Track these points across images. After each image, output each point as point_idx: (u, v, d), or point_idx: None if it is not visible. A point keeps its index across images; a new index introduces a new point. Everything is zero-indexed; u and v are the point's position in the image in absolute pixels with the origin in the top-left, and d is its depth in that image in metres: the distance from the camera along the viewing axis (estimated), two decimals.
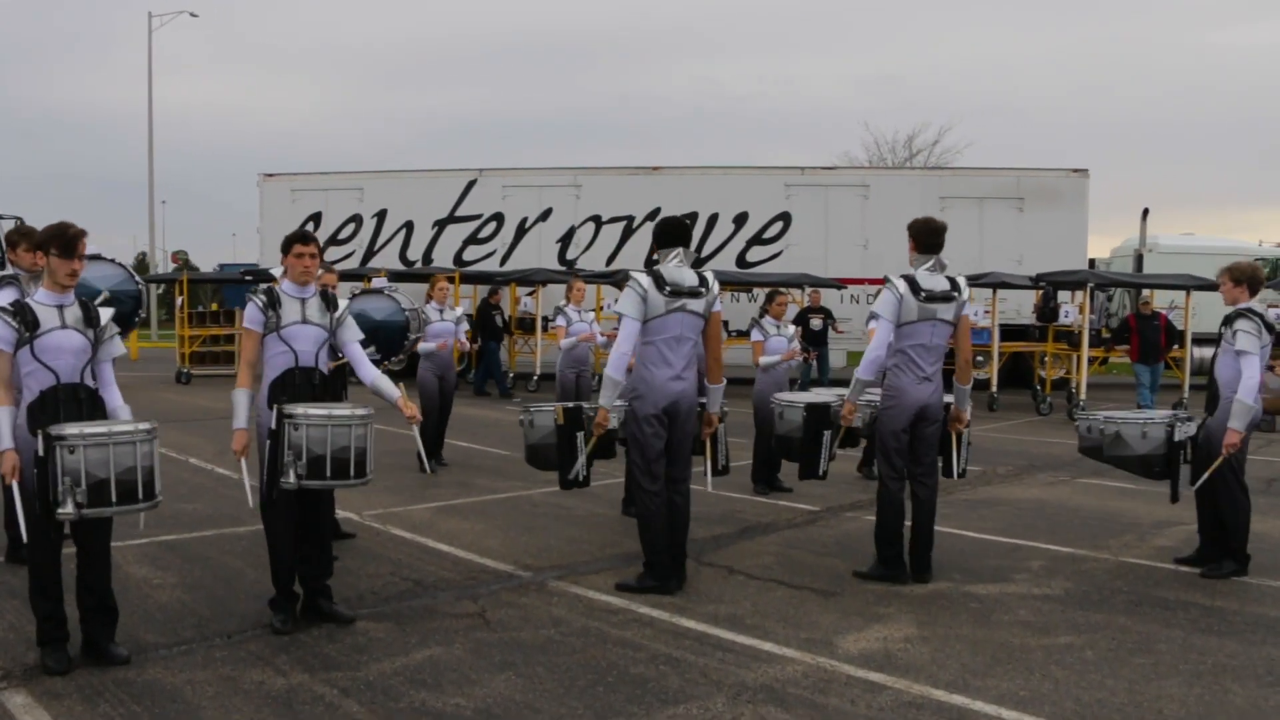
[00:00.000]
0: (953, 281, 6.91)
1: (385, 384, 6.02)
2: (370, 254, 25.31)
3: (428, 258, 25.00)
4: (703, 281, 6.67)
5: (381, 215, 25.32)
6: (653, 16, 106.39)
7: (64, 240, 5.05)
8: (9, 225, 18.41)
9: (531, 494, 9.96)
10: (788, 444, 8.15)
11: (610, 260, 24.03)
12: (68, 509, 4.69)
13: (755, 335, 10.32)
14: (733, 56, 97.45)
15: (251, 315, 5.73)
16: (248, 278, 25.16)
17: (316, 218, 25.64)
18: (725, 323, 15.67)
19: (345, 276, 23.72)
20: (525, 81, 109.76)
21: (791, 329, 10.58)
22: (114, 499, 4.74)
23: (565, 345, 11.30)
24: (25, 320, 4.99)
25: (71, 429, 4.72)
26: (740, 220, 24.07)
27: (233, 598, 6.36)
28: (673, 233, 6.79)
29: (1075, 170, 23.72)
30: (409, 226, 25.18)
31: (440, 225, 25.00)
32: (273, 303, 5.74)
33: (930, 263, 6.96)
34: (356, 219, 25.50)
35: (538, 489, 10.07)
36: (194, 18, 44.73)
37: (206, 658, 5.29)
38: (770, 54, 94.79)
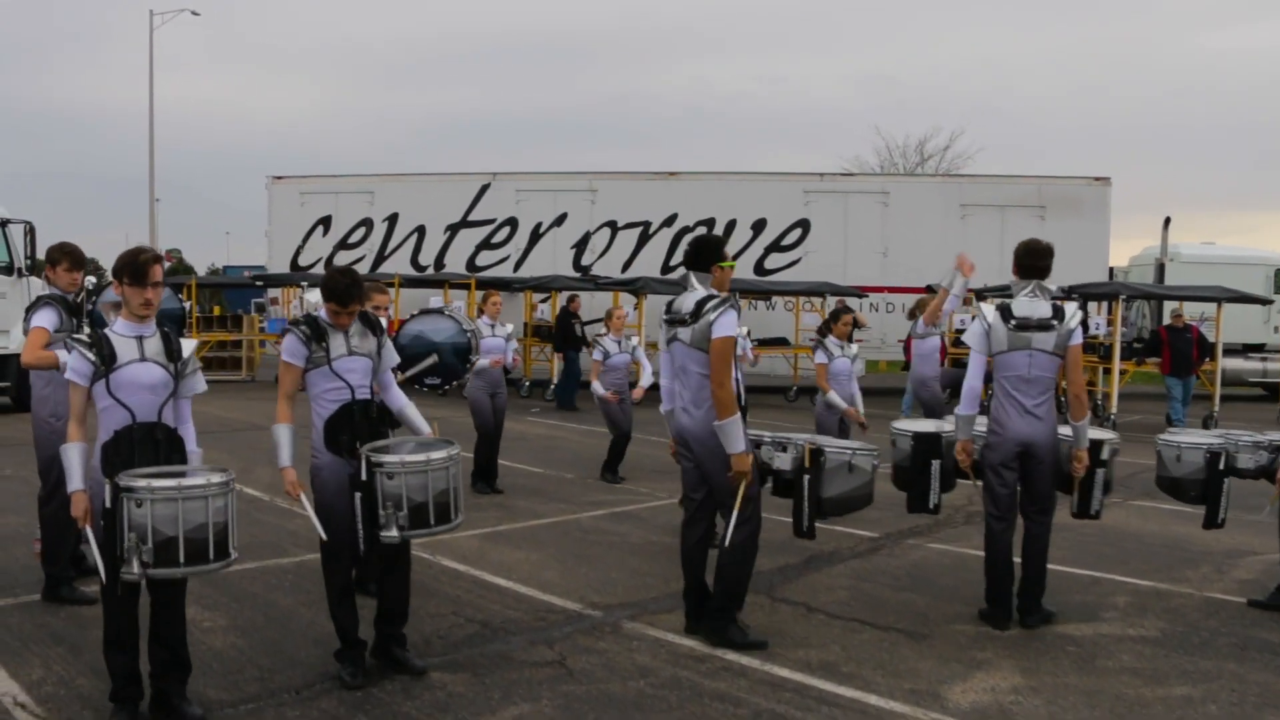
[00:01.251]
0: (1056, 308, 6.45)
1: (413, 414, 5.68)
2: (381, 258, 24.90)
3: (440, 263, 24.59)
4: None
5: (393, 219, 24.91)
6: (650, 17, 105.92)
7: (135, 267, 4.67)
8: (19, 228, 17.98)
9: (579, 518, 9.58)
10: (896, 474, 7.59)
11: (626, 266, 23.66)
12: (133, 570, 4.28)
13: (819, 357, 9.92)
14: (729, 56, 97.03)
15: (293, 349, 5.30)
16: (258, 283, 24.80)
17: (326, 221, 25.25)
18: (748, 331, 15.31)
19: None
20: (523, 81, 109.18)
21: (855, 348, 10.16)
22: (182, 559, 4.32)
23: (598, 393, 11.26)
24: (102, 352, 4.61)
25: (139, 481, 4.32)
26: (758, 227, 23.72)
27: (291, 643, 5.96)
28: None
29: (1097, 179, 23.43)
30: (420, 231, 24.76)
31: (453, 230, 24.59)
32: (317, 335, 5.33)
33: (1029, 288, 6.52)
34: (367, 223, 25.08)
35: (584, 512, 9.72)
36: (195, 16, 44.16)
37: (278, 717, 4.90)
38: (766, 54, 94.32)
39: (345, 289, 5.30)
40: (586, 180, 24.39)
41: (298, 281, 23.25)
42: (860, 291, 21.89)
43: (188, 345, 4.87)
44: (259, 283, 24.91)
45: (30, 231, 18.11)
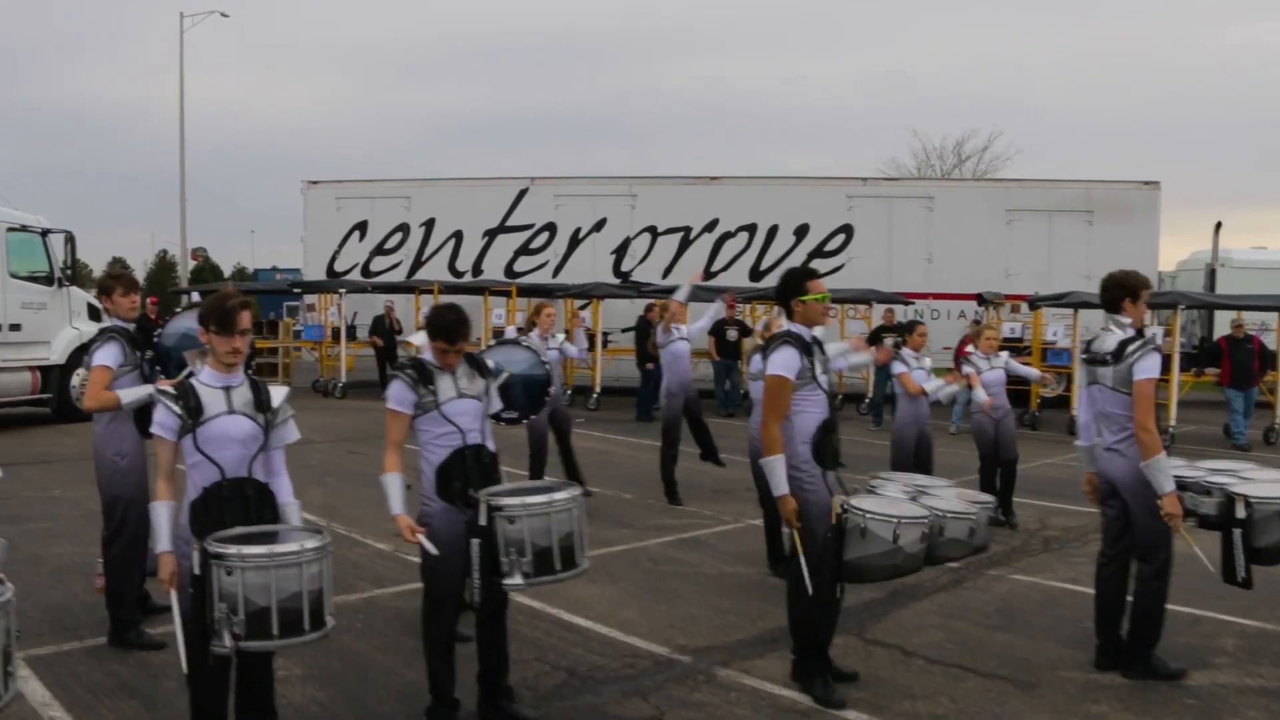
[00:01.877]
0: (1125, 342, 6.06)
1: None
2: (418, 264, 24.69)
3: (477, 269, 24.37)
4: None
5: (429, 224, 24.70)
6: (654, 15, 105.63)
7: (222, 314, 4.37)
8: (59, 237, 17.80)
9: (647, 546, 9.25)
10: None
11: (666, 273, 23.39)
12: (224, 643, 3.97)
13: (897, 367, 9.72)
14: (736, 54, 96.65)
15: (400, 395, 5.00)
16: (295, 289, 24.59)
17: (362, 226, 25.06)
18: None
19: (392, 289, 23.19)
20: (532, 80, 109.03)
21: (928, 361, 9.89)
22: (275, 631, 4.01)
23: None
24: (189, 405, 4.32)
25: (229, 547, 4.01)
26: (801, 232, 23.39)
27: (373, 695, 5.66)
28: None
29: (1146, 183, 22.99)
30: (458, 236, 24.55)
31: (490, 235, 24.37)
32: (425, 379, 5.03)
33: (1111, 321, 6.23)
34: (404, 228, 24.87)
35: (650, 539, 9.41)
36: (225, 18, 44.05)
37: None
38: (774, 52, 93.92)
39: (452, 325, 5.02)
40: (626, 185, 24.12)
41: (336, 288, 23.03)
42: (905, 299, 21.52)
43: (277, 393, 4.57)
44: (297, 289, 24.68)
45: (70, 240, 17.95)
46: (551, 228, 24.10)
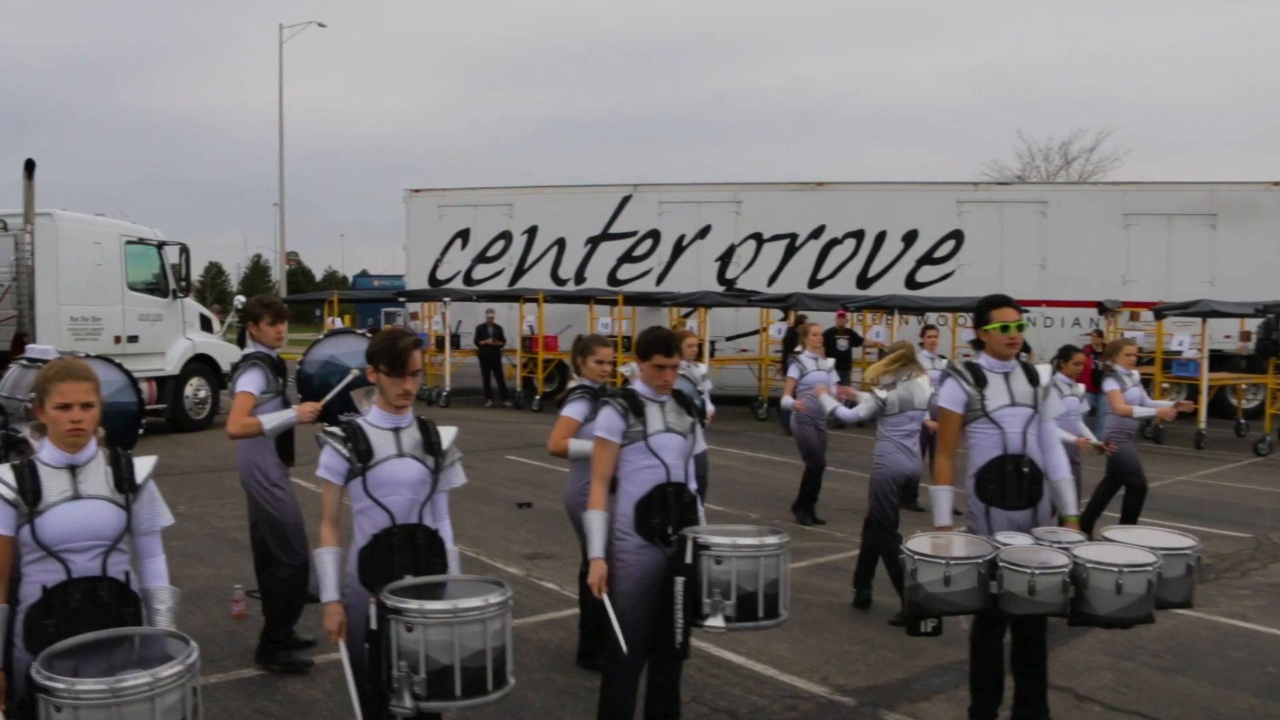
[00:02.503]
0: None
1: None
2: (520, 272, 24.63)
3: (580, 276, 24.23)
4: None
5: (532, 232, 24.61)
6: (745, 15, 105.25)
7: (393, 355, 4.13)
8: (173, 249, 17.98)
9: None
10: None
11: (772, 280, 23.03)
12: (404, 703, 3.73)
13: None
14: (830, 53, 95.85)
15: (611, 424, 4.79)
16: (400, 299, 24.67)
17: (464, 234, 25.06)
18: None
19: (495, 297, 23.14)
20: (615, 82, 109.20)
21: (1081, 387, 9.48)
22: (458, 691, 3.74)
23: (785, 404, 10.84)
24: (358, 447, 4.11)
25: (410, 602, 3.76)
26: (909, 239, 22.86)
27: None
28: None
29: (1276, 183, 22.06)
30: (560, 244, 24.43)
31: (593, 243, 24.21)
32: (635, 409, 4.81)
33: None
34: (506, 236, 24.82)
35: None
36: (322, 28, 44.62)
37: None
38: (862, 50, 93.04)
39: (668, 337, 4.86)
40: (731, 191, 23.80)
41: (440, 297, 23.04)
42: (1018, 306, 20.87)
43: (447, 434, 4.34)
44: (401, 298, 24.76)
45: (185, 253, 18.14)
46: (655, 235, 23.87)
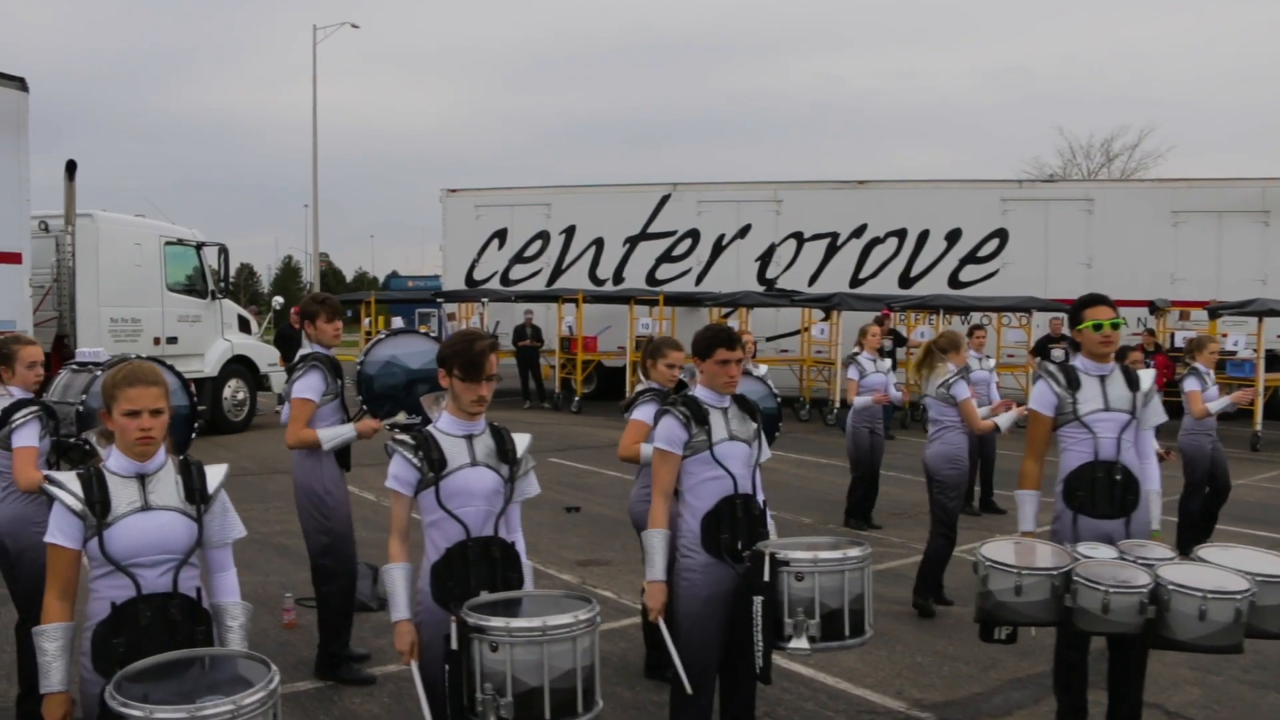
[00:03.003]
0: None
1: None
2: (558, 272, 24.44)
3: (619, 276, 24.01)
4: None
5: (570, 232, 24.41)
6: (770, 14, 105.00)
7: (469, 359, 3.90)
8: (212, 250, 17.88)
9: None
10: None
11: (813, 280, 22.73)
12: None
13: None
14: (856, 52, 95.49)
15: (671, 434, 4.49)
16: (439, 299, 24.53)
17: (501, 234, 24.90)
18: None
19: (530, 297, 22.96)
20: (642, 81, 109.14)
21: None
22: (547, 713, 3.50)
23: (859, 405, 10.45)
24: (430, 456, 3.87)
25: (495, 620, 3.53)
26: (953, 237, 22.49)
27: None
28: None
29: None
30: (599, 244, 24.22)
31: (632, 242, 23.98)
32: (698, 416, 4.53)
33: None
34: (543, 235, 24.64)
35: None
36: (355, 28, 44.62)
37: None
38: (889, 49, 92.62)
39: (728, 331, 4.60)
40: (771, 190, 23.51)
41: (478, 297, 22.89)
42: (1063, 306, 20.48)
43: (521, 441, 4.12)
44: (440, 299, 24.61)
45: (224, 253, 18.04)
46: (694, 234, 23.61)
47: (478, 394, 3.93)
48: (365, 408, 6.08)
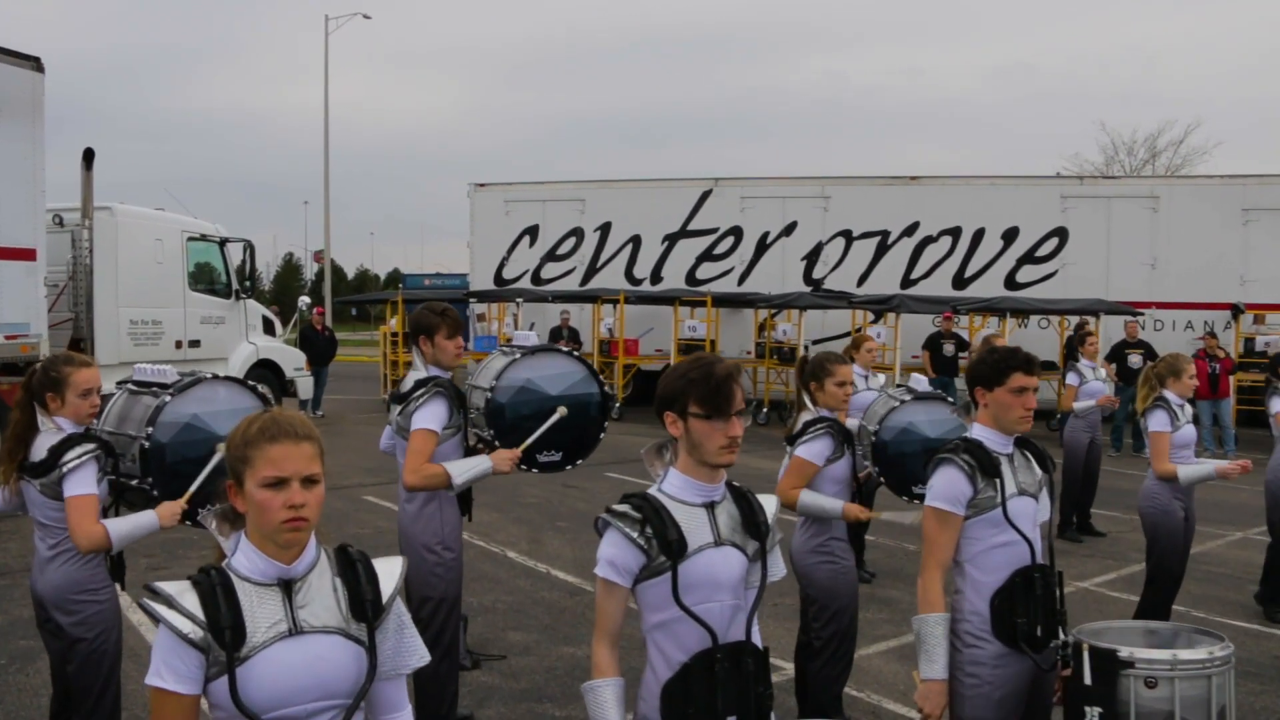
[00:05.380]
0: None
1: None
2: (593, 271, 23.34)
3: (657, 276, 22.91)
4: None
5: (605, 229, 23.30)
6: (777, 11, 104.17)
7: (709, 388, 2.78)
8: (237, 246, 16.79)
9: None
10: None
11: (862, 280, 21.63)
12: None
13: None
14: (862, 50, 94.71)
15: (954, 489, 3.48)
16: (471, 298, 23.42)
17: (533, 231, 23.81)
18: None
19: (567, 298, 21.83)
20: (653, 78, 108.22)
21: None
22: None
23: (1080, 409, 10.27)
24: (665, 536, 2.76)
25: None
26: (1009, 236, 21.37)
27: None
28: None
29: None
30: (635, 241, 23.11)
31: (671, 240, 22.87)
32: (986, 467, 3.47)
33: None
34: (577, 232, 23.53)
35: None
36: (367, 19, 43.52)
37: None
38: (892, 46, 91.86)
39: (1024, 354, 3.64)
40: (819, 186, 22.40)
41: (512, 297, 21.78)
42: (1132, 308, 19.35)
43: (769, 504, 3.01)
44: (471, 298, 23.49)
45: (250, 250, 16.96)
46: (737, 232, 22.49)
47: (729, 435, 2.79)
48: (496, 441, 4.95)
